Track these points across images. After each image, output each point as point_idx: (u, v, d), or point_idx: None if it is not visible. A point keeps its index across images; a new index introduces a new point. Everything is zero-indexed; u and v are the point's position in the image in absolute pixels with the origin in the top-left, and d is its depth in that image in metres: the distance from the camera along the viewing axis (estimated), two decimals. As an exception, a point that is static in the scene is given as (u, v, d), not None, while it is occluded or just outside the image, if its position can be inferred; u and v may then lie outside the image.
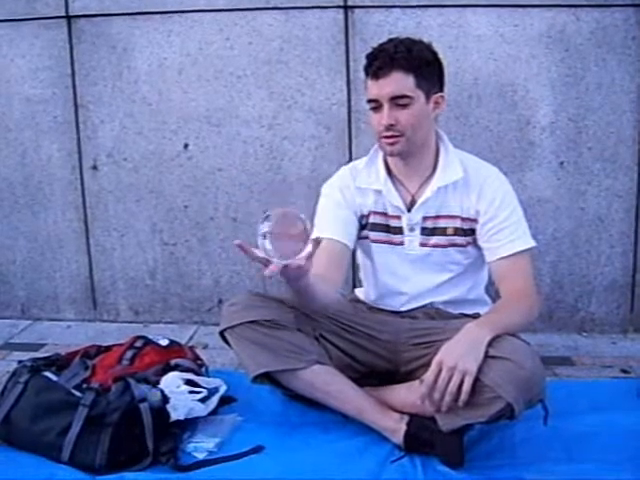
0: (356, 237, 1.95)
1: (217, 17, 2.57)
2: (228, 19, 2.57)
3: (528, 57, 2.47)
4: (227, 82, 2.62)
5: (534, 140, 2.52)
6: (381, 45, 1.80)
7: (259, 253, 1.46)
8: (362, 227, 1.95)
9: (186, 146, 2.68)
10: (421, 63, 1.76)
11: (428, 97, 1.80)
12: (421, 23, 2.48)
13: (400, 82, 1.75)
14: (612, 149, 2.50)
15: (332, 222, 1.90)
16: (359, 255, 2.06)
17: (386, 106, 1.77)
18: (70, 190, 2.77)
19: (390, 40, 1.81)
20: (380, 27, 2.49)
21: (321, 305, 1.82)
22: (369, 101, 1.82)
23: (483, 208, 1.85)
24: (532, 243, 1.87)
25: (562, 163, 2.53)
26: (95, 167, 2.74)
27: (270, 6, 2.54)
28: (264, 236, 1.46)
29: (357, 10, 2.51)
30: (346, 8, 2.51)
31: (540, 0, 2.42)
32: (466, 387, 1.55)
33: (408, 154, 1.85)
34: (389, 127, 1.78)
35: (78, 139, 2.72)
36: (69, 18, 2.62)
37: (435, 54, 1.83)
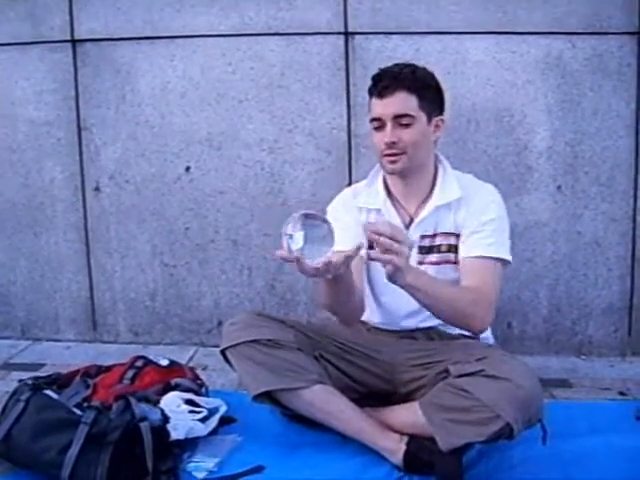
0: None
1: (219, 42, 2.62)
2: (230, 44, 2.62)
3: (525, 83, 2.51)
4: (229, 106, 2.65)
5: (531, 164, 2.56)
6: (386, 67, 1.87)
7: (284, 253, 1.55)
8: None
9: (188, 169, 2.71)
10: (424, 85, 1.84)
11: (430, 119, 1.85)
12: (420, 49, 2.52)
13: (404, 101, 1.81)
14: (608, 173, 2.54)
15: (344, 240, 1.90)
16: None
17: (389, 125, 1.82)
18: (72, 211, 2.79)
19: (395, 64, 1.88)
20: (380, 53, 2.53)
21: (355, 306, 1.85)
22: (372, 120, 1.87)
23: (468, 216, 1.87)
24: (508, 257, 1.86)
25: (559, 187, 2.56)
26: (97, 189, 2.76)
27: (272, 32, 2.59)
28: (290, 237, 1.55)
29: (357, 36, 2.55)
30: (346, 34, 2.55)
31: (537, 27, 2.47)
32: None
33: (408, 173, 1.88)
34: (391, 145, 1.82)
35: (81, 161, 2.75)
36: (74, 42, 2.67)
37: (437, 80, 1.90)
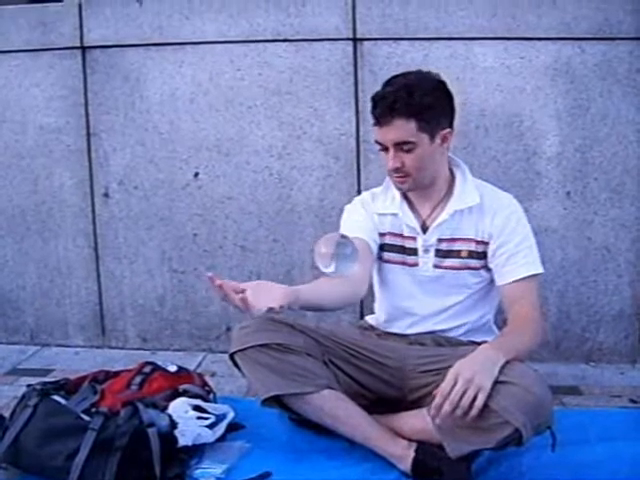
0: (378, 245, 1.97)
1: (228, 48, 2.62)
2: (239, 50, 2.62)
3: (534, 89, 2.50)
4: (237, 112, 2.66)
5: (541, 170, 2.55)
6: (385, 87, 1.83)
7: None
8: (380, 246, 1.99)
9: (196, 175, 2.72)
10: (421, 108, 1.77)
11: (433, 137, 1.82)
12: (429, 55, 2.52)
13: (401, 129, 1.78)
14: (618, 179, 2.52)
15: (356, 226, 1.95)
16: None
17: (391, 151, 1.82)
18: (81, 217, 2.80)
19: (395, 78, 1.83)
20: (388, 59, 2.53)
21: (333, 307, 1.96)
22: (376, 142, 1.87)
23: (496, 232, 1.89)
24: (541, 270, 1.90)
25: (569, 193, 2.55)
26: (106, 195, 2.77)
27: (280, 38, 2.59)
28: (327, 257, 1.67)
29: (366, 42, 2.55)
30: (355, 40, 2.55)
31: (545, 33, 2.46)
32: (479, 403, 1.55)
33: (418, 189, 1.91)
34: (395, 170, 1.84)
35: (90, 167, 2.76)
36: (84, 49, 2.69)
37: (441, 92, 1.83)
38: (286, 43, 2.59)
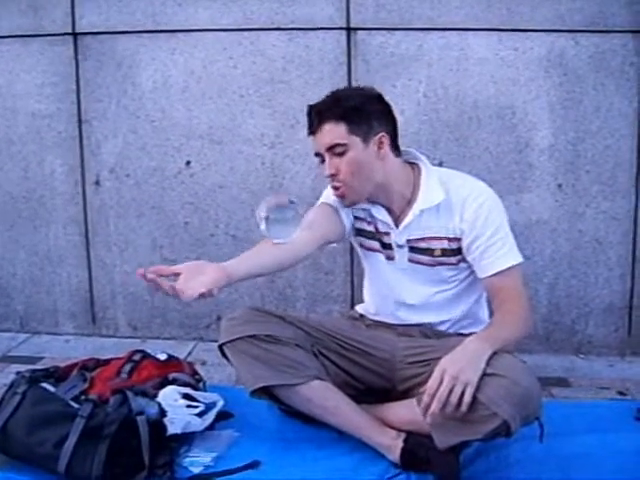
0: (351, 222, 1.96)
1: (221, 36, 2.61)
2: (232, 39, 2.61)
3: (527, 80, 2.50)
4: (230, 101, 2.65)
5: (533, 162, 2.55)
6: (315, 102, 1.87)
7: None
8: (359, 231, 1.99)
9: (188, 163, 2.71)
10: (349, 110, 1.79)
11: (366, 141, 1.81)
12: (422, 46, 2.51)
13: (332, 132, 1.80)
14: (610, 172, 2.52)
15: (331, 199, 1.95)
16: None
17: (327, 157, 1.82)
18: (72, 205, 2.79)
19: (326, 96, 1.87)
20: (382, 49, 2.52)
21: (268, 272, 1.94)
22: (315, 154, 1.88)
23: (467, 227, 1.84)
24: (520, 259, 1.85)
25: (560, 185, 2.55)
26: (97, 182, 2.76)
27: (274, 27, 2.58)
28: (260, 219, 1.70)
29: (360, 32, 2.54)
30: (349, 30, 2.54)
31: (540, 24, 2.46)
32: (467, 398, 1.55)
33: (360, 200, 1.89)
34: (332, 177, 1.83)
35: (81, 154, 2.75)
36: (75, 35, 2.67)
37: (371, 99, 1.84)
38: (279, 32, 2.58)
